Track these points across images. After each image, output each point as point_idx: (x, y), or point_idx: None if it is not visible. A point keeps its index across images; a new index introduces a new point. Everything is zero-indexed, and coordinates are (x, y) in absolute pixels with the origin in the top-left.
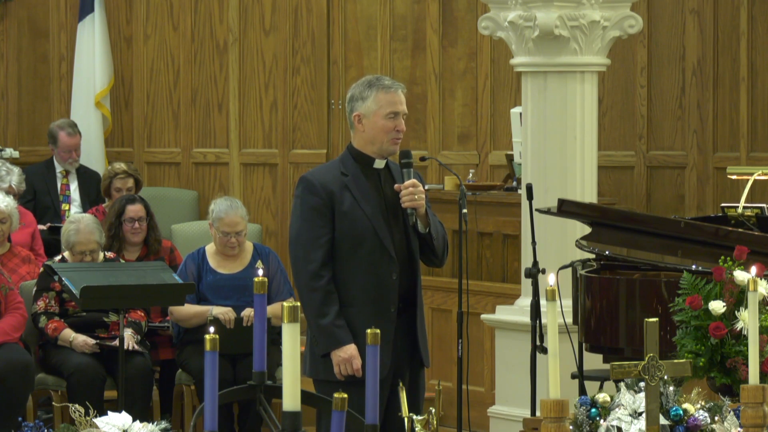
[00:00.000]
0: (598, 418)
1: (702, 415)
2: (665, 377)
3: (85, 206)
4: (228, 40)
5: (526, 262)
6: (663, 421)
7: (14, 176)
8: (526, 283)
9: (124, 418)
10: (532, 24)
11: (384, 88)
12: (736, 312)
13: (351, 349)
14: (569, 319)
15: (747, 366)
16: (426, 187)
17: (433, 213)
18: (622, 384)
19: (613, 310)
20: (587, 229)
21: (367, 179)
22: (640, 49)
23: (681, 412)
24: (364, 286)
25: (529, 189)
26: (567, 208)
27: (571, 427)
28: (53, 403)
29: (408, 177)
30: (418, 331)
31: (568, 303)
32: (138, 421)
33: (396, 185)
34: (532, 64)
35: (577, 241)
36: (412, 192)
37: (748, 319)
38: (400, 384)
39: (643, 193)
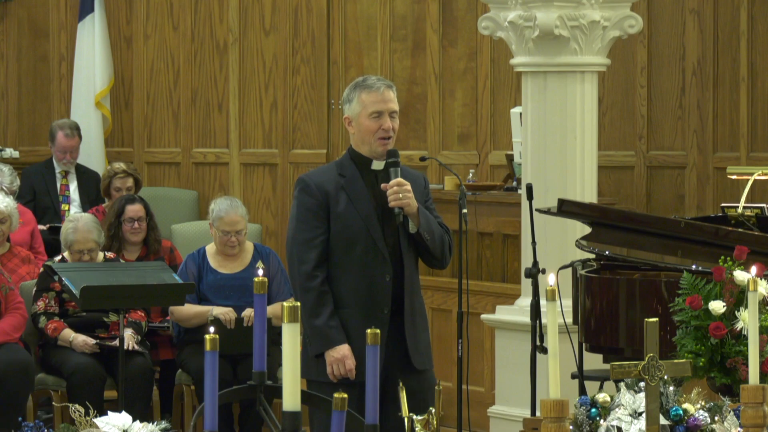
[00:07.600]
0: (598, 418)
1: (702, 415)
2: (665, 377)
3: (85, 206)
4: (228, 40)
5: (526, 262)
6: (663, 421)
7: (5, 177)
8: (526, 283)
9: (124, 418)
10: (532, 24)
11: (366, 88)
12: (736, 312)
13: (344, 350)
14: (569, 319)
15: (747, 366)
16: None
17: (438, 214)
18: (622, 384)
19: (613, 310)
20: (587, 229)
21: (364, 181)
22: (640, 49)
23: (681, 412)
24: (356, 288)
25: (529, 189)
26: (567, 208)
27: (571, 427)
28: (53, 403)
29: (395, 176)
30: (406, 334)
31: (568, 303)
32: (138, 421)
33: (382, 185)
34: (532, 64)
35: (577, 241)
36: (396, 191)
37: (748, 319)
38: (400, 384)
39: (643, 193)
